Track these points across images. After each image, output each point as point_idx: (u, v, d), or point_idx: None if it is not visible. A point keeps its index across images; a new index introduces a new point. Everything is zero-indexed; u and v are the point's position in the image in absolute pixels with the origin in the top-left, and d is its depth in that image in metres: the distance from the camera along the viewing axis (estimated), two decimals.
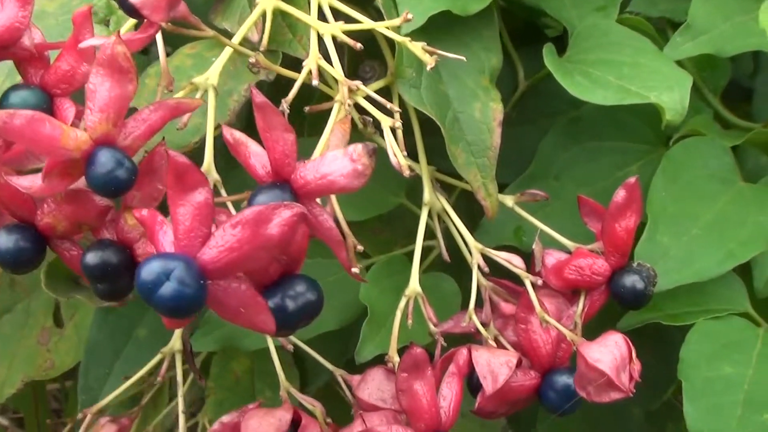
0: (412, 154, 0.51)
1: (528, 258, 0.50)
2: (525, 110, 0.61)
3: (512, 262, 0.49)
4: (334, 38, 0.46)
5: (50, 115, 0.40)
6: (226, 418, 0.48)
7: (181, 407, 0.51)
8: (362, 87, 0.44)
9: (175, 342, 0.51)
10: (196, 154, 0.44)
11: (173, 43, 0.50)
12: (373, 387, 0.48)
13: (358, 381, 0.48)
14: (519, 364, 0.48)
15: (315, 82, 0.44)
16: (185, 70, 0.49)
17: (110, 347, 0.61)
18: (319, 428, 0.48)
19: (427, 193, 0.51)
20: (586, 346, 0.46)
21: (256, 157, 0.41)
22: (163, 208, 0.37)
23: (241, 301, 0.36)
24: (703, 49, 0.55)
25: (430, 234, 0.53)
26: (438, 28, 0.50)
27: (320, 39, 0.46)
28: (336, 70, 0.44)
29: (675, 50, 0.55)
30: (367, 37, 0.52)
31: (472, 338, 0.51)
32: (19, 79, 0.44)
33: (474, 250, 0.50)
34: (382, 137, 0.45)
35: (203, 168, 0.43)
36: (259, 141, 0.40)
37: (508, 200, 0.52)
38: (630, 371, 0.45)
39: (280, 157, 0.39)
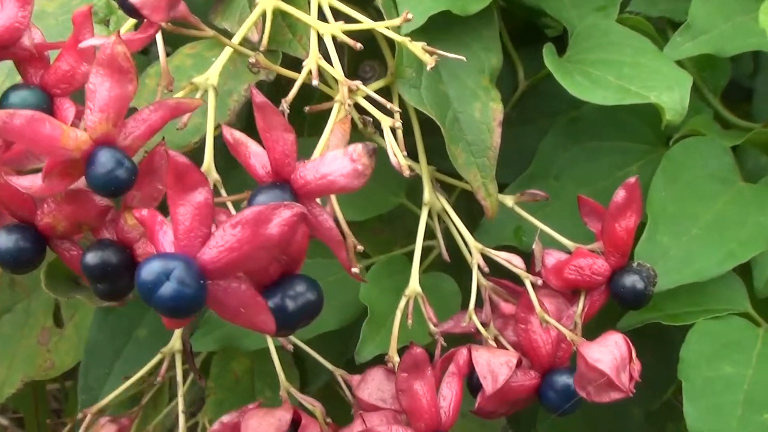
0: (412, 154, 0.51)
1: (528, 258, 0.50)
2: (525, 110, 0.61)
3: (512, 262, 0.49)
4: (334, 38, 0.46)
5: (50, 115, 0.40)
6: (226, 418, 0.48)
7: (181, 407, 0.51)
8: (362, 87, 0.44)
9: (175, 342, 0.51)
10: (196, 154, 0.44)
11: (173, 43, 0.50)
12: (373, 387, 0.48)
13: (358, 381, 0.48)
14: (519, 364, 0.48)
15: (315, 82, 0.44)
16: (185, 70, 0.49)
17: (110, 347, 0.61)
18: (319, 428, 0.48)
19: (427, 193, 0.51)
20: (586, 346, 0.46)
21: (256, 157, 0.41)
22: (164, 208, 0.37)
23: (241, 301, 0.36)
24: (703, 49, 0.55)
25: (430, 234, 0.53)
26: (438, 28, 0.50)
27: (320, 39, 0.46)
28: (336, 70, 0.44)
29: (675, 50, 0.55)
30: (367, 37, 0.52)
31: (472, 338, 0.51)
32: (19, 79, 0.44)
33: (474, 250, 0.50)
34: (382, 137, 0.45)
35: (203, 168, 0.43)
36: (259, 141, 0.40)
37: (508, 200, 0.52)
38: (630, 371, 0.45)
39: (280, 157, 0.39)
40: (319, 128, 0.43)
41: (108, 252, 0.41)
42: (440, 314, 0.51)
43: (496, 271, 0.51)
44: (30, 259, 0.42)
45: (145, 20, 0.42)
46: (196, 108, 0.41)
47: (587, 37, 0.54)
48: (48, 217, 0.41)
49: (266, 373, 0.60)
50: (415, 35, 0.48)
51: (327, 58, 0.45)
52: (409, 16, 0.45)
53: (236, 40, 0.46)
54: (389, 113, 0.45)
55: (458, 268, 0.53)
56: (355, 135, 0.44)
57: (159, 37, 0.45)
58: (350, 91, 0.44)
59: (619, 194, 0.48)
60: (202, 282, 0.34)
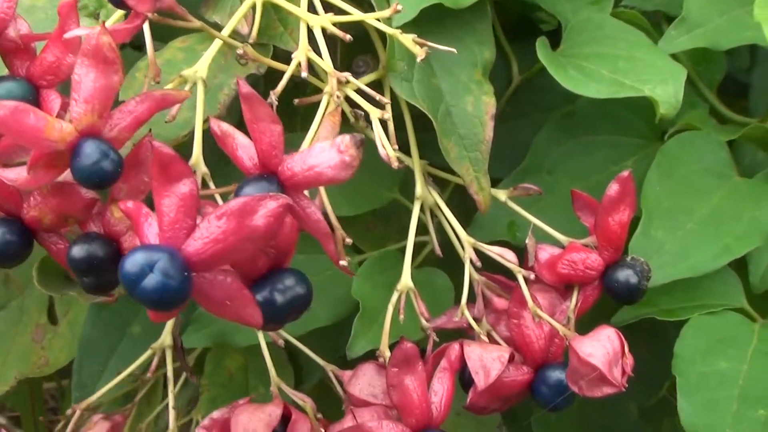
0: (404, 149, 0.50)
1: (522, 253, 0.50)
2: (519, 104, 0.60)
3: (505, 256, 0.49)
4: (324, 30, 0.45)
5: (36, 106, 0.39)
6: (216, 414, 0.48)
7: (171, 403, 0.51)
8: (352, 79, 0.44)
9: (166, 337, 0.51)
10: (186, 148, 0.44)
11: (165, 37, 0.50)
12: (364, 382, 0.47)
13: (349, 376, 0.48)
14: (511, 360, 0.47)
15: (304, 74, 0.44)
16: (176, 64, 0.49)
17: (104, 344, 0.60)
18: (310, 424, 0.47)
19: (419, 188, 0.51)
20: (579, 340, 0.46)
21: (244, 149, 0.40)
22: (151, 201, 0.37)
23: (227, 293, 0.36)
24: (698, 43, 0.55)
25: (423, 229, 0.52)
26: (430, 21, 0.49)
27: (311, 32, 0.46)
28: (325, 62, 0.44)
29: (670, 44, 0.55)
30: (361, 32, 0.51)
31: (464, 334, 0.50)
32: (5, 71, 0.43)
33: (466, 245, 0.50)
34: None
35: (191, 161, 0.43)
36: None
37: (501, 194, 0.51)
38: (623, 366, 0.45)
39: (267, 148, 0.38)
40: (312, 123, 0.43)
41: (94, 245, 0.40)
42: (433, 310, 0.50)
43: (489, 266, 0.50)
44: (16, 253, 0.42)
45: (132, 11, 0.42)
46: (183, 100, 0.41)
47: (581, 31, 0.54)
48: (34, 210, 0.41)
49: (260, 370, 0.59)
50: (407, 28, 0.47)
51: (319, 51, 0.45)
52: (399, 7, 0.45)
53: (226, 32, 0.46)
54: (381, 107, 0.45)
55: (452, 263, 0.52)
56: (347, 129, 0.44)
57: (147, 28, 0.44)
58: (339, 83, 0.43)
59: (613, 188, 0.48)
60: (186, 274, 0.34)
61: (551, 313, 0.48)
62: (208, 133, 0.43)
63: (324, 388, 0.57)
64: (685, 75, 0.50)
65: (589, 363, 0.44)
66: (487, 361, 0.46)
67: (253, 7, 0.47)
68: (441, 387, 0.46)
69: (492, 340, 0.49)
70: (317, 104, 0.44)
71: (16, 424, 0.98)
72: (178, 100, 0.41)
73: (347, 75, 0.44)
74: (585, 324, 0.48)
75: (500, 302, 0.50)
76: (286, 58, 0.46)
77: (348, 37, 0.44)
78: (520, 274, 0.48)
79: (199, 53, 0.48)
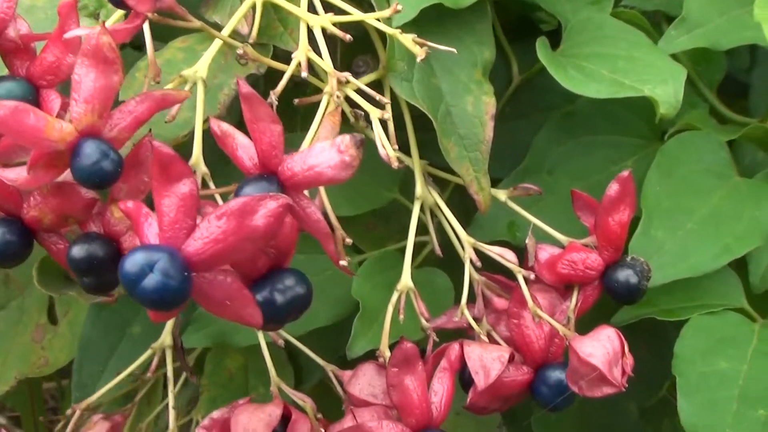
0: (404, 149, 0.50)
1: (522, 253, 0.50)
2: (519, 105, 0.60)
3: (505, 256, 0.49)
4: (324, 30, 0.45)
5: (36, 107, 0.39)
6: (216, 414, 0.48)
7: (171, 403, 0.51)
8: (352, 79, 0.44)
9: (166, 337, 0.51)
10: (187, 148, 0.44)
11: (165, 37, 0.50)
12: (364, 382, 0.47)
13: (349, 376, 0.48)
14: (511, 360, 0.47)
15: (304, 74, 0.44)
16: (176, 64, 0.49)
17: (104, 344, 0.60)
18: (310, 424, 0.47)
19: (419, 187, 0.51)
20: (579, 340, 0.46)
21: (244, 149, 0.40)
22: (151, 201, 0.37)
23: (227, 293, 0.36)
24: (698, 43, 0.55)
25: (424, 229, 0.52)
26: (430, 21, 0.49)
27: (312, 32, 0.46)
28: (325, 62, 0.44)
29: (670, 44, 0.55)
30: (361, 32, 0.51)
31: (465, 334, 0.50)
32: (5, 71, 0.43)
33: (466, 245, 0.50)
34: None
35: (191, 161, 0.43)
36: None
37: (501, 194, 0.51)
38: (623, 366, 0.45)
39: (267, 148, 0.38)
40: (312, 123, 0.43)
41: (94, 245, 0.40)
42: (433, 310, 0.50)
43: (489, 266, 0.50)
44: (16, 253, 0.42)
45: (132, 11, 0.42)
46: (183, 100, 0.41)
47: (581, 31, 0.54)
48: (34, 210, 0.41)
49: (260, 370, 0.59)
50: (406, 28, 0.47)
51: (319, 51, 0.45)
52: (399, 7, 0.45)
53: (226, 32, 0.46)
54: (381, 107, 0.45)
55: (452, 263, 0.52)
56: (347, 129, 0.44)
57: (147, 28, 0.44)
58: (339, 83, 0.43)
59: (613, 188, 0.48)
60: (186, 274, 0.34)
61: (551, 313, 0.48)
62: (208, 133, 0.43)
63: (324, 388, 0.57)
64: (685, 75, 0.50)
65: (589, 363, 0.44)
66: (487, 361, 0.46)
67: (253, 7, 0.47)
68: (441, 387, 0.46)
69: (492, 340, 0.49)
70: (317, 104, 0.44)
71: (16, 424, 0.98)
72: (177, 100, 0.41)
73: (347, 75, 0.43)
74: (585, 324, 0.48)
75: (500, 302, 0.50)
76: (286, 58, 0.46)
77: (348, 37, 0.44)
78: (520, 274, 0.48)
79: (199, 53, 0.48)
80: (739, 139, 0.57)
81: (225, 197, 0.44)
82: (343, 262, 0.43)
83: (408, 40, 0.46)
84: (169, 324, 0.51)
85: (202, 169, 0.43)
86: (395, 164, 0.43)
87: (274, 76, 0.47)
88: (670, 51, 0.54)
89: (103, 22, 0.38)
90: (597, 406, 0.57)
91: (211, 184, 0.44)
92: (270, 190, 0.38)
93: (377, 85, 0.49)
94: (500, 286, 0.51)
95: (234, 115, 0.49)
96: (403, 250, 0.50)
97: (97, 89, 0.37)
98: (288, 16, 0.49)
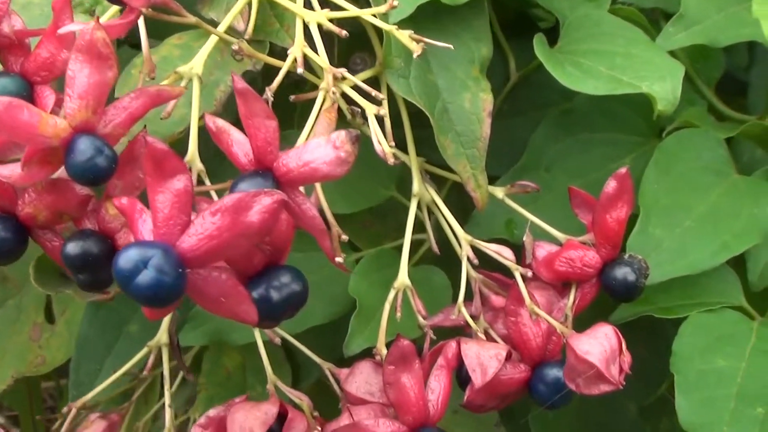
0: (402, 146, 0.50)
1: (520, 251, 0.50)
2: (516, 102, 0.60)
3: (502, 253, 0.49)
4: (321, 27, 0.45)
5: (31, 103, 0.39)
6: (212, 412, 0.48)
7: (167, 401, 0.51)
8: (348, 75, 0.44)
9: (162, 335, 0.51)
10: (183, 145, 0.44)
11: (162, 34, 0.50)
12: (361, 380, 0.47)
13: (346, 374, 0.48)
14: (509, 357, 0.47)
15: (300, 70, 0.43)
16: (172, 61, 0.49)
17: (101, 343, 0.60)
18: (306, 422, 0.47)
19: (416, 184, 0.50)
20: (576, 338, 0.45)
21: (239, 145, 0.40)
22: (146, 198, 0.37)
23: (221, 290, 0.36)
24: (696, 40, 0.55)
25: (421, 227, 0.52)
26: (427, 18, 0.49)
27: (308, 28, 0.46)
28: (321, 58, 0.44)
29: (667, 40, 0.55)
30: (359, 30, 0.51)
31: (462, 332, 0.50)
32: None
33: (463, 242, 0.49)
34: None
35: (187, 158, 0.43)
36: None
37: (499, 192, 0.51)
38: (620, 363, 0.45)
39: (262, 144, 0.38)
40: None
41: (89, 242, 0.40)
42: (431, 308, 0.50)
43: (487, 264, 0.50)
44: (11, 250, 0.41)
45: (127, 7, 0.42)
46: (178, 96, 0.41)
47: (579, 28, 0.54)
48: (29, 206, 0.41)
49: (258, 368, 0.59)
50: (403, 25, 0.47)
51: (316, 48, 0.45)
52: (395, 3, 0.45)
53: (221, 28, 0.45)
54: (377, 103, 0.44)
55: (449, 261, 0.52)
56: (344, 126, 0.43)
57: (142, 24, 0.44)
58: (335, 79, 0.43)
59: (610, 185, 0.47)
60: (180, 270, 0.34)
61: (549, 310, 0.48)
62: (204, 130, 0.43)
63: (322, 386, 0.56)
64: (683, 72, 0.50)
65: (587, 360, 0.44)
66: (485, 359, 0.46)
67: (249, 4, 0.47)
68: (438, 385, 0.45)
69: (489, 338, 0.49)
70: (314, 101, 0.44)
71: (15, 423, 0.98)
72: (172, 96, 0.40)
73: (343, 71, 0.43)
74: (583, 322, 0.48)
75: (498, 300, 0.50)
76: (283, 55, 0.46)
77: (344, 32, 0.44)
78: (517, 271, 0.48)
79: (195, 50, 0.48)
80: (737, 137, 0.57)
81: (221, 194, 0.44)
82: (338, 259, 0.42)
83: (404, 36, 0.45)
84: (166, 322, 0.51)
85: (198, 165, 0.43)
86: (391, 160, 0.43)
87: (271, 73, 0.46)
88: (668, 48, 0.54)
89: (97, 18, 0.37)
90: (595, 404, 0.57)
91: (207, 181, 0.44)
92: (265, 186, 0.37)
93: (374, 82, 0.49)
94: (498, 284, 0.50)
95: (231, 112, 0.49)
96: (400, 248, 0.50)
97: (92, 85, 0.37)
98: (284, 13, 0.49)
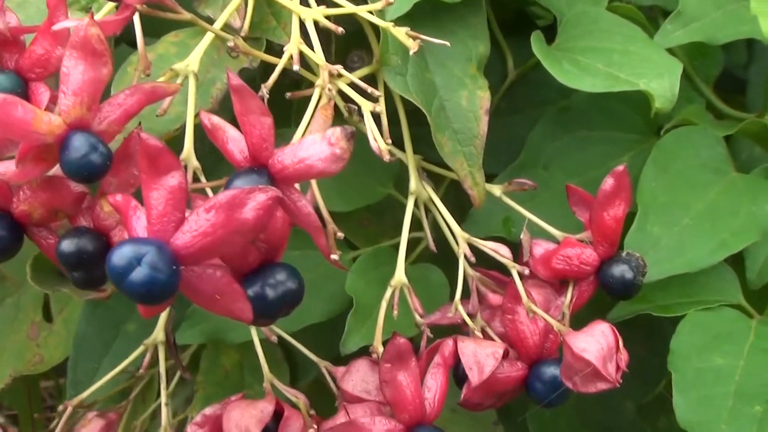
0: (399, 144, 0.50)
1: (517, 249, 0.50)
2: (514, 99, 0.60)
3: (499, 251, 0.49)
4: (317, 24, 0.45)
5: (26, 99, 0.39)
6: (208, 410, 0.48)
7: (164, 400, 0.50)
8: (344, 72, 0.43)
9: (158, 333, 0.51)
10: (179, 143, 0.44)
11: (159, 33, 0.50)
12: (358, 378, 0.47)
13: (342, 373, 0.48)
14: (506, 355, 0.47)
15: (296, 67, 0.43)
16: (169, 58, 0.49)
17: (99, 341, 0.60)
18: (302, 420, 0.47)
19: (413, 182, 0.50)
20: (573, 335, 0.45)
21: (234, 142, 0.40)
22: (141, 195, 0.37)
23: (216, 287, 0.36)
24: (694, 37, 0.55)
25: (419, 225, 0.52)
26: (424, 16, 0.49)
27: (305, 26, 0.45)
28: (317, 55, 0.44)
29: (666, 38, 0.54)
30: (357, 28, 0.51)
31: (459, 330, 0.50)
32: None
33: (460, 240, 0.49)
34: None
35: (182, 155, 0.43)
36: None
37: (496, 190, 0.51)
38: (617, 361, 0.45)
39: (258, 141, 0.38)
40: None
41: (84, 239, 0.40)
42: (428, 306, 0.50)
43: (485, 262, 0.50)
44: (6, 248, 0.41)
45: (122, 3, 0.41)
46: (174, 93, 0.41)
47: (576, 25, 0.54)
48: (24, 204, 0.40)
49: (256, 367, 0.59)
50: (400, 22, 0.47)
51: (312, 45, 0.45)
52: (391, 0, 0.45)
53: (217, 25, 0.45)
54: (373, 100, 0.44)
55: (447, 259, 0.52)
56: (341, 124, 0.43)
57: (137, 21, 0.44)
58: (331, 75, 0.43)
59: (608, 182, 0.47)
60: (174, 267, 0.34)
61: (546, 308, 0.48)
62: (201, 129, 0.43)
63: (320, 385, 0.56)
64: (681, 69, 0.50)
65: (583, 358, 0.44)
66: (481, 357, 0.46)
67: (246, 1, 0.47)
68: (434, 383, 0.45)
69: (486, 336, 0.49)
70: (311, 98, 0.43)
71: (14, 422, 0.98)
72: (167, 93, 0.40)
73: (339, 68, 0.43)
74: (581, 320, 0.48)
75: (495, 298, 0.50)
76: (282, 53, 0.45)
77: (340, 29, 0.44)
78: (514, 269, 0.48)
79: (191, 48, 0.47)
80: (736, 135, 0.57)
81: (217, 192, 0.43)
82: (334, 256, 0.42)
83: (401, 33, 0.45)
84: (162, 320, 0.51)
85: (194, 163, 0.43)
86: (386, 157, 0.42)
87: (270, 71, 0.46)
88: (666, 45, 0.54)
89: (92, 14, 0.37)
90: (593, 402, 0.57)
91: (203, 179, 0.44)
92: (260, 183, 0.37)
93: (371, 80, 0.48)
94: (495, 282, 0.50)
95: (227, 110, 0.49)
96: (397, 246, 0.50)
97: (86, 82, 0.37)
98: (281, 10, 0.49)
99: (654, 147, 0.54)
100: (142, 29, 0.45)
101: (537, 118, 0.57)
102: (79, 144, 0.37)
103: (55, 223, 0.42)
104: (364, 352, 0.49)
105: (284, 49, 0.44)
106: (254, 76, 0.50)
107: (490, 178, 0.51)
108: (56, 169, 0.39)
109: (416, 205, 0.51)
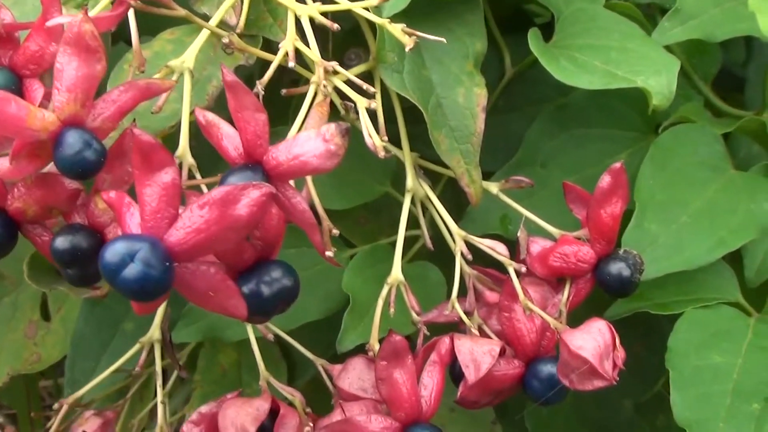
0: (395, 141, 0.50)
1: (514, 246, 0.50)
2: (512, 97, 0.60)
3: (496, 249, 0.49)
4: (313, 21, 0.45)
5: (20, 96, 0.39)
6: (204, 408, 0.48)
7: (159, 398, 0.50)
8: (340, 69, 0.43)
9: (154, 331, 0.51)
10: (174, 140, 0.43)
11: (155, 30, 0.50)
12: (354, 376, 0.47)
13: (339, 370, 0.48)
14: (503, 353, 0.47)
15: (291, 64, 0.43)
16: (165, 56, 0.49)
17: (97, 340, 0.60)
18: (298, 418, 0.47)
19: (410, 180, 0.50)
20: (569, 333, 0.45)
21: (229, 138, 0.40)
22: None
23: (210, 284, 0.36)
24: (692, 34, 0.55)
25: (416, 223, 0.52)
26: (421, 12, 0.49)
27: (301, 23, 0.45)
28: (312, 52, 0.44)
29: (663, 35, 0.54)
30: (354, 25, 0.51)
31: (456, 328, 0.50)
32: None
33: (457, 238, 0.49)
34: None
35: (178, 152, 0.42)
36: None
37: (493, 187, 0.51)
38: (614, 359, 0.44)
39: (252, 137, 0.38)
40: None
41: (78, 236, 0.40)
42: (425, 304, 0.50)
43: (481, 259, 0.50)
44: (0, 245, 0.41)
45: None
46: (168, 89, 0.41)
47: (574, 22, 0.54)
48: (18, 201, 0.40)
49: (253, 366, 0.59)
50: (397, 19, 0.47)
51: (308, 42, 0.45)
52: None
53: (213, 22, 0.45)
54: (369, 96, 0.44)
55: (444, 257, 0.52)
56: (338, 121, 0.43)
57: (132, 17, 0.44)
58: (327, 72, 0.43)
59: (605, 179, 0.47)
60: (168, 264, 0.34)
61: (543, 306, 0.48)
62: (197, 127, 0.43)
63: (318, 384, 0.56)
64: (679, 66, 0.50)
65: (580, 356, 0.44)
66: (478, 355, 0.46)
67: None
68: (431, 381, 0.45)
69: (483, 334, 0.49)
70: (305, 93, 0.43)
71: (13, 421, 0.98)
72: (162, 89, 0.40)
73: (334, 64, 0.43)
74: (578, 318, 0.47)
75: (492, 296, 0.49)
76: (278, 51, 0.45)
77: (335, 26, 0.44)
78: (511, 267, 0.48)
79: (187, 45, 0.47)
80: (734, 132, 0.57)
81: (211, 188, 0.43)
82: (329, 254, 0.42)
83: (397, 30, 0.45)
84: (158, 318, 0.50)
85: (189, 160, 0.43)
86: (381, 153, 0.42)
87: (267, 69, 0.46)
88: (664, 42, 0.54)
89: (86, 10, 0.37)
90: (591, 400, 0.57)
91: (198, 176, 0.43)
92: (254, 180, 0.37)
93: (368, 77, 0.48)
94: (492, 280, 0.50)
95: (223, 108, 0.48)
96: (394, 244, 0.50)
97: (80, 78, 0.37)
98: (277, 7, 0.48)
99: (652, 145, 0.54)
100: (138, 27, 0.45)
101: (534, 116, 0.57)
102: (72, 141, 0.37)
103: (50, 221, 0.42)
104: (361, 350, 0.49)
105: (279, 46, 0.44)
106: (252, 74, 0.50)
107: (487, 176, 0.51)
108: (51, 166, 0.39)
109: (413, 202, 0.51)
